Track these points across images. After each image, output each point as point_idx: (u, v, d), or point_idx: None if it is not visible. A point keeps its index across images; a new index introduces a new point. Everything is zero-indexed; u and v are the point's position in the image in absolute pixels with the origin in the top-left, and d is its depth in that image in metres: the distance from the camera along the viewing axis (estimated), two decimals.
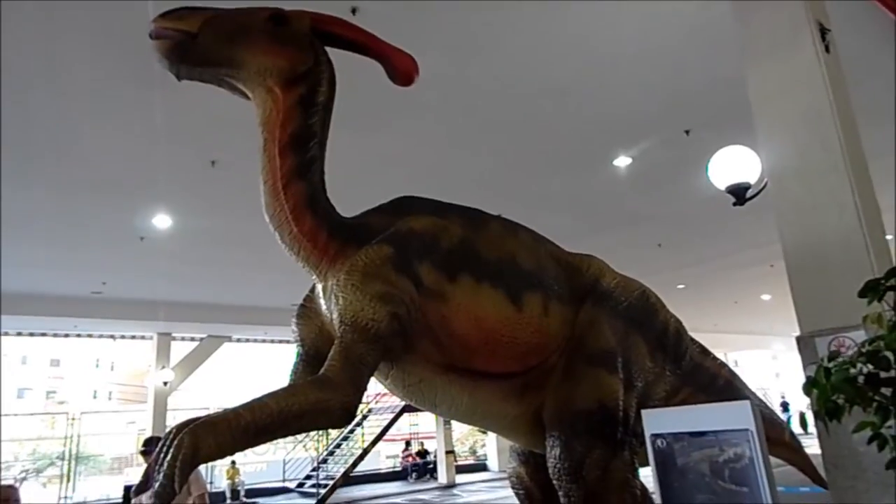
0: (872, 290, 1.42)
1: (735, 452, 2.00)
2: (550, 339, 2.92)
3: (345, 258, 2.65)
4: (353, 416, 2.37)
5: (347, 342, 2.43)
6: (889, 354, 1.34)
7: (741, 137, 4.38)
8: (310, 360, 2.77)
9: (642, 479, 3.04)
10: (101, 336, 17.10)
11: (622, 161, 7.82)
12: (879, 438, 1.37)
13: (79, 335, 16.38)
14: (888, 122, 6.65)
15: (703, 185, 7.46)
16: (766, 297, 17.98)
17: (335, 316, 2.57)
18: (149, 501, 2.09)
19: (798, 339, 3.02)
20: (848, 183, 3.10)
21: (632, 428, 2.90)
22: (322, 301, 2.76)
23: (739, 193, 3.78)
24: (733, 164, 3.83)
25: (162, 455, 2.15)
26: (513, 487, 3.53)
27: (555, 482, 2.75)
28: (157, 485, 2.07)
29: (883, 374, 1.37)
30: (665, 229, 11.02)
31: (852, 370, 1.35)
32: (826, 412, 1.36)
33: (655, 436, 2.23)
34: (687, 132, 6.93)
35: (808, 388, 1.38)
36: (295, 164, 2.61)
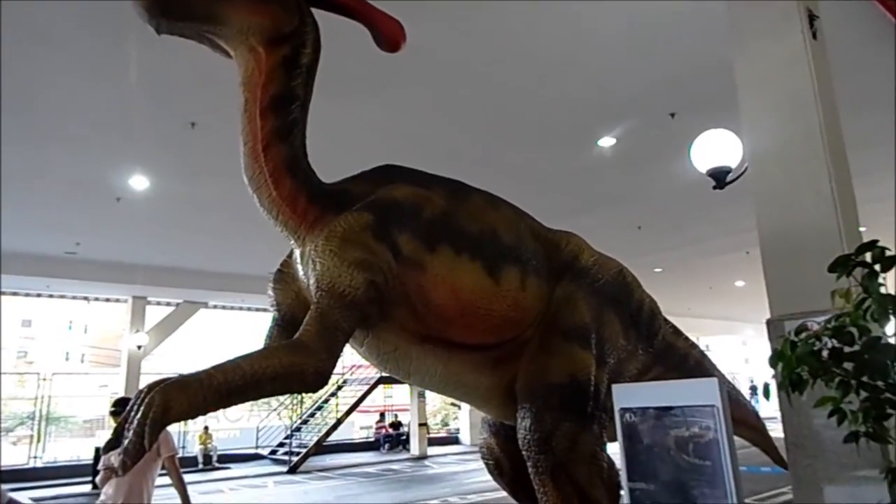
0: (842, 266, 1.45)
1: (700, 427, 2.05)
2: (526, 313, 2.95)
3: (324, 224, 2.63)
4: (327, 381, 2.38)
5: (323, 308, 2.43)
6: (853, 330, 1.37)
7: (726, 122, 4.40)
8: (285, 326, 2.76)
9: (610, 454, 3.11)
10: (74, 297, 16.86)
11: (606, 141, 7.83)
12: (839, 413, 1.41)
13: (51, 296, 16.14)
14: (870, 114, 6.73)
15: (686, 169, 7.52)
16: (740, 283, 18.30)
17: (312, 281, 2.56)
18: (118, 459, 2.07)
19: (768, 322, 3.08)
20: (826, 171, 3.14)
21: (602, 403, 2.95)
22: (300, 266, 2.74)
23: (720, 177, 3.81)
24: (715, 148, 3.86)
25: (132, 413, 2.14)
26: (483, 458, 3.59)
27: (524, 453, 2.80)
28: (126, 442, 2.06)
29: (847, 349, 1.41)
30: (645, 212, 11.11)
31: (817, 344, 1.38)
32: (790, 384, 1.39)
33: (624, 410, 2.27)
34: (672, 115, 6.95)
35: (774, 360, 1.41)
36: (276, 127, 2.57)
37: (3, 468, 13.53)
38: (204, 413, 2.20)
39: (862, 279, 1.39)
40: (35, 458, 16.09)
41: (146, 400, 2.09)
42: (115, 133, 7.26)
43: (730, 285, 18.60)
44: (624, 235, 11.68)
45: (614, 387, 2.39)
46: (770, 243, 3.25)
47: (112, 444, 2.21)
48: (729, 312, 23.38)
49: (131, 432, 2.05)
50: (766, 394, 1.56)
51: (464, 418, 22.07)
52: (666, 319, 3.80)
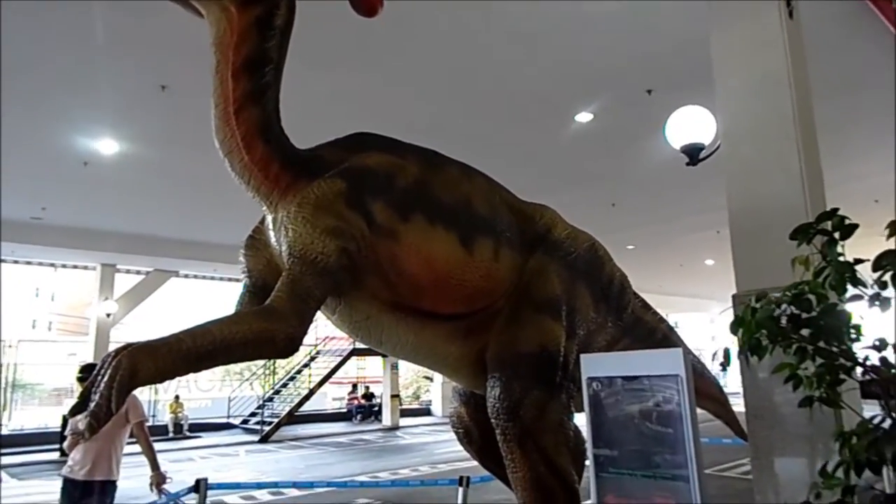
0: (802, 233, 1.49)
1: (664, 396, 2.10)
2: (499, 284, 2.97)
3: (296, 190, 2.60)
4: (297, 348, 2.38)
5: (295, 274, 2.42)
6: (812, 298, 1.42)
7: (703, 100, 4.42)
8: (257, 292, 2.74)
9: (578, 424, 3.18)
10: (40, 264, 16.49)
11: (584, 117, 7.84)
12: (795, 378, 1.46)
13: (16, 262, 15.76)
14: (842, 97, 6.83)
15: (661, 147, 7.57)
16: (709, 262, 18.66)
17: (284, 248, 2.54)
18: (85, 422, 2.05)
19: (734, 297, 3.15)
20: (796, 151, 3.19)
21: (570, 373, 3.00)
22: (272, 233, 2.72)
23: (693, 153, 3.85)
24: (690, 124, 3.89)
25: (100, 376, 2.11)
26: (453, 426, 3.64)
27: (493, 420, 2.84)
28: (92, 405, 2.04)
29: (805, 316, 1.45)
30: (620, 190, 11.20)
31: (777, 311, 1.42)
32: (749, 348, 1.43)
33: (591, 379, 2.32)
34: (649, 92, 6.97)
35: (735, 326, 1.45)
36: (248, 89, 2.52)
37: None
38: (172, 377, 2.18)
39: (822, 247, 1.43)
40: (1, 425, 15.87)
41: (113, 363, 2.07)
42: (81, 96, 7.04)
43: (700, 264, 18.96)
44: (598, 212, 11.78)
45: (582, 356, 2.44)
46: (739, 220, 3.31)
47: (78, 408, 2.19)
48: (698, 290, 23.86)
49: (98, 395, 2.03)
50: (727, 359, 1.61)
51: (436, 390, 22.32)
52: (636, 293, 3.86)
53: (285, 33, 2.65)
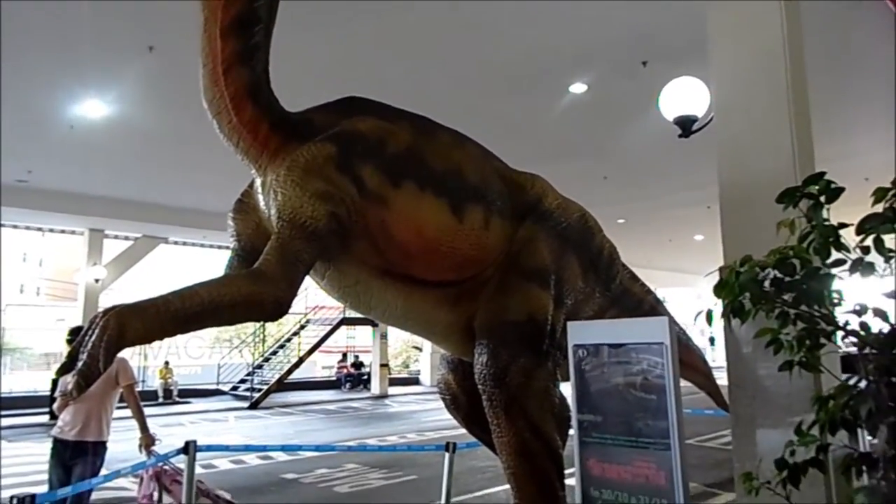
0: (789, 196, 1.50)
1: (648, 364, 2.13)
2: (488, 253, 2.98)
3: (286, 154, 2.58)
4: (285, 312, 2.39)
5: (284, 238, 2.41)
6: (796, 262, 1.43)
7: (697, 73, 4.39)
8: (245, 256, 2.74)
9: (563, 392, 3.23)
10: (27, 228, 16.31)
11: (578, 87, 7.78)
12: (776, 343, 1.49)
13: (2, 225, 15.57)
14: (838, 74, 6.81)
15: (654, 120, 7.52)
16: (699, 237, 18.76)
17: (273, 212, 2.53)
18: (73, 381, 2.06)
19: (720, 269, 3.17)
20: (788, 126, 3.19)
21: (557, 342, 3.04)
22: (261, 196, 2.70)
23: (686, 125, 3.84)
24: (683, 96, 3.87)
25: (88, 336, 2.11)
26: (440, 393, 3.68)
27: (480, 387, 2.87)
28: (80, 364, 2.04)
29: (788, 280, 1.47)
30: (612, 163, 11.18)
31: (760, 274, 1.44)
32: (732, 311, 1.45)
33: (577, 346, 2.35)
34: (644, 63, 6.92)
35: (718, 289, 1.47)
36: (237, 49, 2.47)
37: None
38: (160, 338, 2.19)
39: (807, 210, 1.44)
40: None
41: (101, 323, 2.07)
42: (67, 57, 6.89)
43: (689, 239, 19.06)
44: (590, 185, 11.75)
45: (569, 324, 2.46)
46: (729, 193, 3.31)
47: (67, 367, 2.19)
48: (686, 265, 24.04)
49: (86, 354, 2.03)
50: (710, 320, 1.63)
51: (424, 360, 22.49)
52: (624, 265, 3.89)
53: None
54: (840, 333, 1.47)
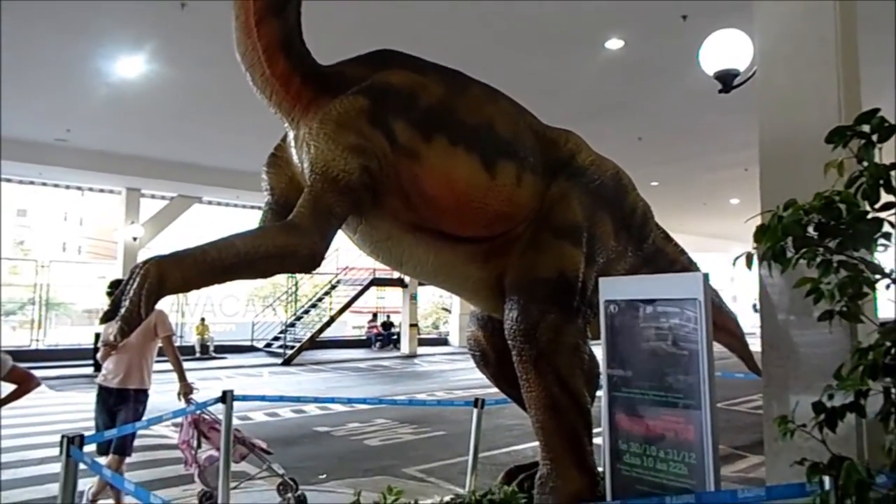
0: (839, 135, 1.44)
1: (681, 319, 2.12)
2: (520, 209, 2.96)
3: (318, 107, 2.59)
4: (319, 264, 2.42)
5: (317, 191, 2.44)
6: (842, 207, 1.38)
7: (740, 27, 4.22)
8: (279, 210, 2.77)
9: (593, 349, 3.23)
10: (67, 187, 16.73)
11: (614, 44, 7.55)
12: (817, 292, 1.45)
13: (44, 184, 16.01)
14: (890, 27, 6.46)
15: (693, 78, 7.30)
16: (734, 201, 18.33)
17: (306, 165, 2.55)
18: (115, 327, 2.13)
19: (758, 228, 3.10)
20: (836, 79, 3.04)
21: (588, 299, 3.03)
22: (293, 150, 2.72)
23: (727, 80, 3.70)
24: (725, 49, 3.73)
25: (129, 285, 2.18)
26: (469, 349, 3.72)
27: (509, 342, 2.90)
28: (123, 310, 2.12)
29: (832, 224, 1.43)
30: (647, 123, 10.91)
31: (804, 219, 1.40)
32: (773, 255, 1.41)
33: (609, 301, 2.34)
34: (684, 17, 6.66)
35: (760, 233, 1.43)
36: (269, 1, 2.46)
37: (6, 349, 13.96)
38: (197, 287, 2.25)
39: (858, 150, 1.39)
40: (36, 340, 16.59)
41: (142, 272, 2.14)
42: (102, 14, 6.93)
43: (724, 202, 18.64)
44: (623, 146, 11.49)
45: (601, 280, 2.45)
46: (769, 151, 3.20)
47: (109, 316, 2.27)
48: (720, 230, 23.56)
49: (128, 301, 2.11)
50: (749, 264, 1.58)
51: (454, 321, 22.70)
52: (657, 225, 3.83)
53: None
54: (885, 281, 1.42)
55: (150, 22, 7.13)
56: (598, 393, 2.95)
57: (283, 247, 2.30)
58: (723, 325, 4.23)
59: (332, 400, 5.72)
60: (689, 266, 4.08)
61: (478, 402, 4.47)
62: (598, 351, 3.40)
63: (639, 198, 3.58)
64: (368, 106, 2.57)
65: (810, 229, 1.42)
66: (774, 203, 3.11)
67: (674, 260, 3.96)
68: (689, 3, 6.47)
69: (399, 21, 6.94)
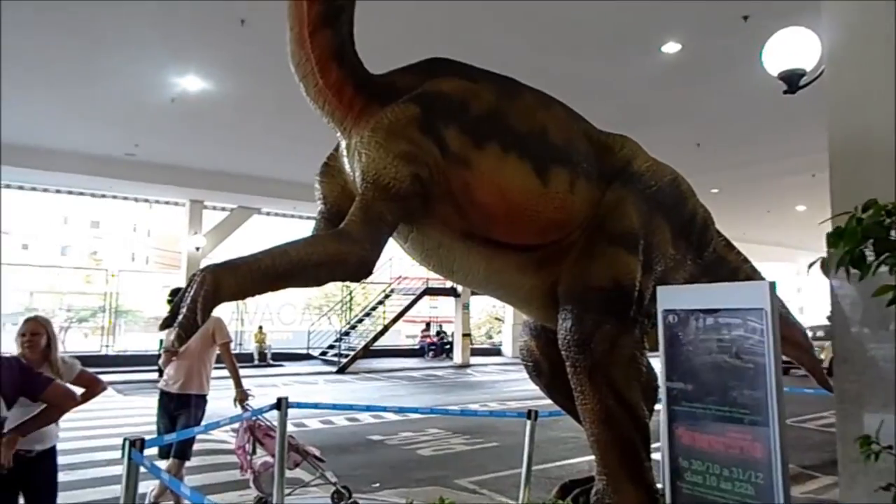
0: None
1: (746, 330, 2.01)
2: (573, 217, 2.89)
3: (370, 115, 2.60)
4: (370, 272, 2.42)
5: (368, 199, 2.44)
6: None
7: (805, 26, 4.04)
8: (331, 218, 2.79)
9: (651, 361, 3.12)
10: (136, 200, 17.55)
11: (671, 47, 7.35)
12: None
13: (115, 196, 16.82)
14: None
15: (755, 80, 7.03)
16: (800, 208, 17.53)
17: (357, 173, 2.56)
18: (174, 332, 2.19)
19: (828, 235, 2.93)
20: None
21: (645, 309, 2.93)
22: (346, 159, 2.74)
23: (793, 80, 3.53)
24: (790, 48, 3.55)
25: (187, 293, 2.23)
26: (522, 360, 3.65)
27: (563, 353, 2.82)
28: (180, 317, 2.17)
29: None
30: (706, 128, 10.58)
31: (887, 220, 1.29)
32: (851, 261, 1.31)
33: (668, 311, 2.24)
34: (745, 18, 6.42)
35: (834, 237, 1.33)
36: (323, 11, 2.49)
37: (79, 354, 14.68)
38: (252, 294, 2.28)
39: None
40: (106, 346, 17.38)
41: (198, 280, 2.19)
42: (165, 32, 7.24)
43: (790, 210, 17.85)
44: (681, 153, 11.16)
45: (659, 289, 2.35)
46: (840, 153, 3.03)
47: (168, 322, 2.33)
48: (785, 238, 22.60)
49: (185, 308, 2.15)
50: (825, 270, 1.45)
51: (507, 331, 22.53)
52: (719, 232, 3.68)
53: None
54: None
55: (210, 39, 7.41)
56: (657, 406, 2.84)
57: (335, 254, 2.31)
58: (789, 336, 4.03)
59: (385, 409, 5.74)
60: (753, 275, 3.90)
61: (531, 414, 4.40)
62: (656, 362, 3.29)
63: (698, 204, 3.45)
64: (419, 114, 2.57)
65: (893, 232, 1.31)
66: (846, 206, 2.96)
67: (736, 268, 3.80)
68: (750, 3, 6.25)
69: (450, 28, 6.97)
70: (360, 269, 2.36)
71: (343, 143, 2.74)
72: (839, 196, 2.98)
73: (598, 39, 7.28)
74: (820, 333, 14.79)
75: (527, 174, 2.75)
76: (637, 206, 3.02)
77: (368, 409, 5.74)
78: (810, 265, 1.65)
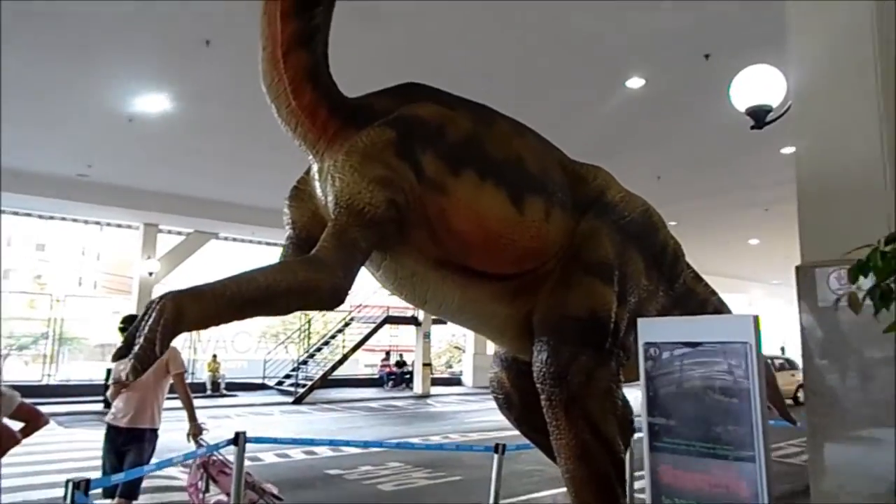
0: None
1: (730, 364, 1.97)
2: (549, 246, 2.85)
3: (344, 139, 2.51)
4: (342, 300, 2.31)
5: (342, 225, 2.34)
6: None
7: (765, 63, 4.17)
8: (300, 244, 2.68)
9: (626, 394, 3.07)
10: (86, 222, 16.90)
11: (635, 82, 7.53)
12: None
13: (64, 219, 16.18)
14: None
15: (716, 115, 7.25)
16: (753, 241, 18.11)
17: (331, 198, 2.47)
18: (129, 365, 2.02)
19: (797, 269, 2.96)
20: (877, 112, 2.95)
21: (621, 340, 2.89)
22: (317, 183, 2.64)
23: (760, 116, 3.62)
24: (757, 84, 3.65)
25: (144, 321, 2.08)
26: (492, 392, 3.56)
27: (538, 385, 2.75)
28: (137, 348, 2.00)
29: None
30: (667, 161, 10.85)
31: None
32: (880, 295, 1.28)
33: (649, 344, 2.19)
34: (707, 56, 6.64)
35: (857, 272, 1.30)
36: (297, 31, 2.41)
37: (17, 384, 13.89)
38: (216, 323, 2.14)
39: None
40: (48, 375, 16.52)
41: (158, 307, 2.03)
42: (125, 51, 7.04)
43: (743, 243, 18.42)
44: (642, 184, 11.30)
45: (640, 320, 2.31)
46: (808, 187, 3.09)
47: (122, 353, 2.16)
48: (739, 271, 23.24)
49: (143, 338, 1.99)
50: (856, 307, 1.39)
51: (467, 361, 22.37)
52: (688, 264, 3.70)
53: None
54: None
55: (172, 59, 7.24)
56: (635, 437, 2.78)
57: (306, 282, 2.19)
58: None
59: (348, 443, 5.54)
60: (721, 307, 3.93)
61: (498, 448, 4.29)
62: (630, 394, 3.24)
63: (669, 235, 3.47)
64: (396, 138, 2.50)
65: None
66: (817, 241, 3.00)
67: (705, 300, 3.82)
68: (712, 42, 6.46)
69: (418, 54, 6.97)
70: (332, 297, 2.24)
71: (315, 167, 2.65)
72: (807, 229, 3.02)
73: (564, 74, 7.41)
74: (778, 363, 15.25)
75: (503, 202, 2.70)
76: (611, 236, 3.00)
77: (331, 443, 5.53)
78: (836, 301, 1.60)
